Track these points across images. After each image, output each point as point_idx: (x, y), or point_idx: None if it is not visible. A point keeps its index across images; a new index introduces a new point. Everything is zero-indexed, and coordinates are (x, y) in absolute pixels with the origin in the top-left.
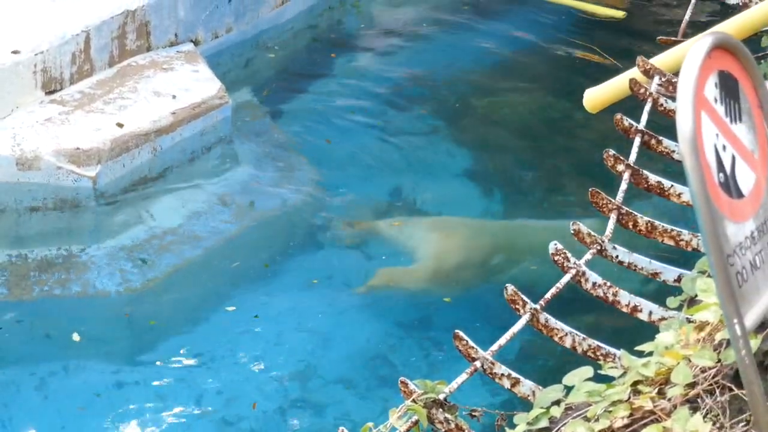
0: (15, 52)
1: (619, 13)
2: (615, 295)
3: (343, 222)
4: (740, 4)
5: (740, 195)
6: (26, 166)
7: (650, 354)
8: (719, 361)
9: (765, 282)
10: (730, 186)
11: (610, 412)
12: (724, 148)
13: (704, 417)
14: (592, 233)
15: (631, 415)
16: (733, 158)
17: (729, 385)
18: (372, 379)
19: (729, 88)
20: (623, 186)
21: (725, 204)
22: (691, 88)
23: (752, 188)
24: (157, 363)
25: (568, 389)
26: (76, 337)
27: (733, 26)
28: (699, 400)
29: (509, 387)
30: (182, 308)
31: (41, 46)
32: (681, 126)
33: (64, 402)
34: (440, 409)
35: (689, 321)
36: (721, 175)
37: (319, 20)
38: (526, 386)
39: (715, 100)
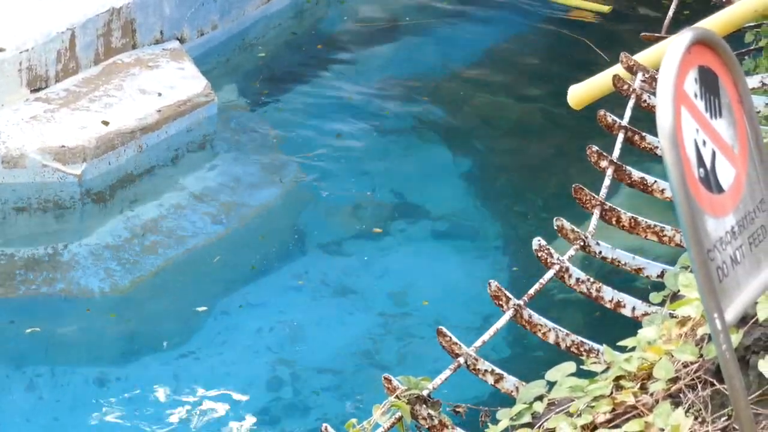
0: (0, 50)
1: (605, 8)
2: (598, 290)
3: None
4: (724, 0)
5: (720, 190)
6: (11, 165)
7: (633, 349)
8: (701, 355)
9: (745, 277)
10: (711, 181)
11: (592, 407)
12: (704, 143)
13: (686, 411)
14: (576, 229)
15: (613, 410)
16: (713, 153)
17: (710, 379)
18: (356, 376)
19: (709, 83)
20: (606, 182)
21: (705, 199)
22: (671, 83)
23: (732, 183)
24: (140, 361)
25: (551, 385)
26: (59, 334)
27: (716, 22)
28: (681, 394)
29: (493, 383)
30: (167, 307)
31: (27, 44)
32: (661, 121)
33: (46, 400)
34: (424, 405)
35: (672, 316)
36: (701, 170)
37: (305, 16)
38: (510, 382)
39: (695, 96)
